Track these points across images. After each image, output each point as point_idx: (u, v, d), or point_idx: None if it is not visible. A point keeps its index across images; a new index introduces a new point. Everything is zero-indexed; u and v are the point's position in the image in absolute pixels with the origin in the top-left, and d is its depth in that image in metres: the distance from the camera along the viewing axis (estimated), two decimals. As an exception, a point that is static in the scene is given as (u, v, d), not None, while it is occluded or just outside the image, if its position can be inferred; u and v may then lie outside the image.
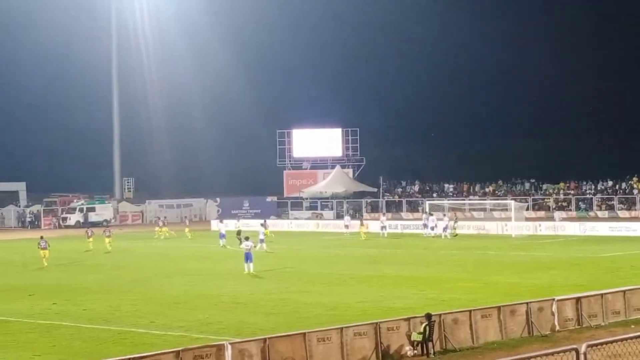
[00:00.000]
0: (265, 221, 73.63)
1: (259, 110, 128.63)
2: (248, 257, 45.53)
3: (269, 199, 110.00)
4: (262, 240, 60.27)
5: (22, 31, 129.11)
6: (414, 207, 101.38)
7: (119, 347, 25.31)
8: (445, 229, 70.63)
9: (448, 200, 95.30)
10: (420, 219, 77.40)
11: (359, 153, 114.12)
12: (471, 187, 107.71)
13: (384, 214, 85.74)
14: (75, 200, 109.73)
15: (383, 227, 74.68)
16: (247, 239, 47.40)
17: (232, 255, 55.29)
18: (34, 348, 25.84)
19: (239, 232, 54.47)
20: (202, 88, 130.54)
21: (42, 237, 55.03)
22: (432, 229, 72.37)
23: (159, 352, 20.64)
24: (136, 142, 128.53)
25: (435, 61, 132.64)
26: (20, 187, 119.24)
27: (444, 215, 75.36)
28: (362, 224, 74.21)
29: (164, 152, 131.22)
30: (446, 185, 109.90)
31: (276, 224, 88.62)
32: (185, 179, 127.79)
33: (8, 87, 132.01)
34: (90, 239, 65.44)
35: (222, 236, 64.81)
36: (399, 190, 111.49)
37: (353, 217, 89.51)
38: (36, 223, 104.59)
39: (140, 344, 25.68)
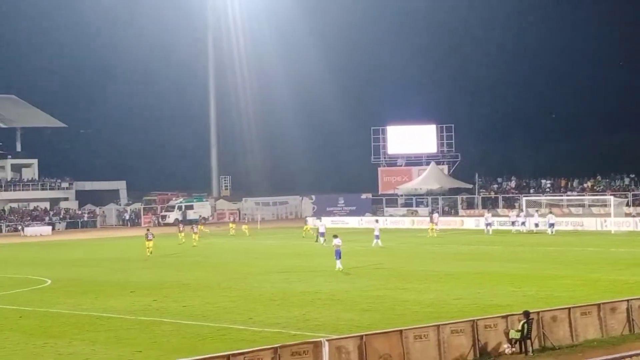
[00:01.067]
0: (320, 219, 75.28)
1: (353, 107, 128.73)
2: (338, 255, 45.63)
3: (363, 196, 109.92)
4: (377, 237, 60.84)
5: (120, 33, 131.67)
6: (510, 204, 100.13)
7: (217, 344, 25.58)
8: (537, 225, 69.96)
9: (545, 196, 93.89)
10: (518, 215, 76.51)
11: (454, 149, 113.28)
12: (569, 183, 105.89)
13: (488, 210, 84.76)
14: (174, 199, 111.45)
15: (489, 224, 73.46)
16: (336, 236, 47.54)
17: (325, 252, 55.44)
18: (135, 344, 26.27)
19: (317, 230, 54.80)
20: (295, 87, 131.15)
21: (148, 229, 61.13)
22: (523, 224, 71.70)
23: (258, 348, 20.77)
24: (232, 141, 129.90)
25: (532, 56, 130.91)
26: (120, 185, 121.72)
27: (537, 211, 74.71)
28: (431, 221, 73.54)
29: (259, 151, 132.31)
30: (543, 181, 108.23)
31: (371, 221, 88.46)
32: (280, 177, 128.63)
33: (108, 90, 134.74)
34: (182, 233, 67.97)
35: (321, 234, 64.90)
36: (495, 186, 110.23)
37: (447, 214, 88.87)
38: (136, 221, 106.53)
39: (239, 340, 25.90)
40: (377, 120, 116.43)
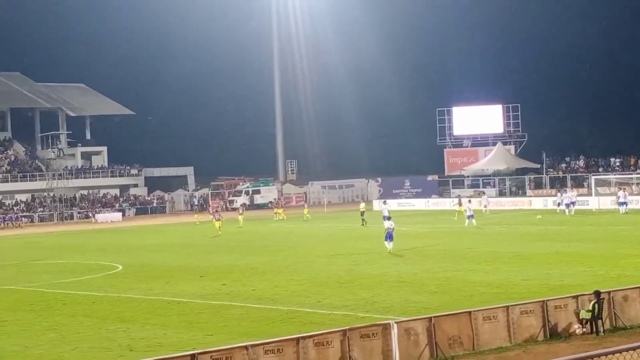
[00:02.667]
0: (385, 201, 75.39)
1: (418, 89, 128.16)
2: (389, 237, 45.53)
3: (430, 177, 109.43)
4: (470, 216, 61.02)
5: (185, 21, 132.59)
6: (579, 183, 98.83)
7: (287, 326, 25.71)
8: (569, 205, 68.77)
9: (614, 174, 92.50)
10: (586, 195, 75.40)
11: (520, 129, 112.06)
12: (639, 161, 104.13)
13: (571, 189, 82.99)
14: (241, 183, 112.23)
15: (571, 204, 70.49)
16: (389, 218, 47.46)
17: (396, 235, 55.41)
18: (206, 328, 26.52)
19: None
20: (359, 70, 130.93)
21: (217, 211, 60.90)
22: (568, 205, 70.03)
23: (327, 331, 20.83)
24: (297, 125, 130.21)
25: (596, 33, 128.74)
26: (188, 171, 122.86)
27: (621, 189, 73.53)
28: (460, 204, 72.87)
29: (325, 135, 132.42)
30: (612, 160, 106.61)
31: (438, 203, 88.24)
32: (345, 161, 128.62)
33: (174, 77, 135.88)
34: (241, 217, 71.35)
35: (385, 218, 64.15)
36: (563, 165, 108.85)
37: (515, 195, 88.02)
38: (204, 206, 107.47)
39: (308, 323, 25.99)
40: (442, 102, 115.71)
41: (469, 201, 68.29)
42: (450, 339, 21.51)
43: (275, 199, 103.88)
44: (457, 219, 67.53)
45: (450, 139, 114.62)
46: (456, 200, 75.52)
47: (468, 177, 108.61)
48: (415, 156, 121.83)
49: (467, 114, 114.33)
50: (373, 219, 72.36)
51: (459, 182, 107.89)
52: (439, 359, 21.10)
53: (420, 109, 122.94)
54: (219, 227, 64.13)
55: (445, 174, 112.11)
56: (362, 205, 69.20)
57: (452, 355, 21.30)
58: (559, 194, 77.18)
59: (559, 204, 72.40)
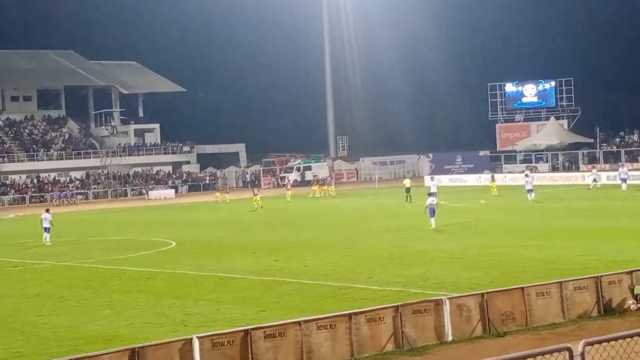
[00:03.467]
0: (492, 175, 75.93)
1: (469, 64, 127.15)
2: (432, 213, 45.42)
3: (481, 153, 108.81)
4: (530, 191, 61.15)
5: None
6: (633, 158, 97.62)
7: (339, 302, 25.77)
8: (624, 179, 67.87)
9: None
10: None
11: (573, 103, 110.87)
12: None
13: (622, 164, 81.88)
14: (292, 160, 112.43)
15: (624, 179, 69.66)
16: (430, 194, 47.29)
17: (448, 211, 55.26)
18: (259, 304, 26.69)
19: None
20: (409, 44, 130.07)
21: (255, 186, 62.06)
22: (624, 180, 69.09)
23: (379, 307, 20.87)
24: (348, 102, 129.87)
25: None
26: (240, 148, 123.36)
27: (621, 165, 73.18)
28: (493, 180, 72.30)
29: (376, 111, 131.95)
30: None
31: (489, 179, 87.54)
32: (396, 136, 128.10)
33: (224, 54, 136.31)
34: (258, 197, 70.52)
35: (432, 194, 63.18)
36: (617, 140, 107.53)
37: (568, 169, 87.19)
38: (256, 183, 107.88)
39: (360, 299, 26.04)
40: (494, 76, 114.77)
41: (526, 175, 68.06)
42: (503, 314, 21.44)
43: (314, 176, 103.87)
44: (497, 194, 67.83)
45: (502, 114, 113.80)
46: (521, 175, 75.35)
47: (520, 152, 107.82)
48: (467, 132, 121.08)
49: (519, 88, 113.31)
50: (422, 196, 72.12)
51: (511, 158, 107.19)
52: (491, 334, 21.05)
53: (472, 83, 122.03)
54: (257, 200, 68.01)
55: (497, 149, 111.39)
56: (407, 182, 68.96)
57: (505, 331, 21.24)
58: (593, 170, 76.64)
59: (594, 180, 71.89)
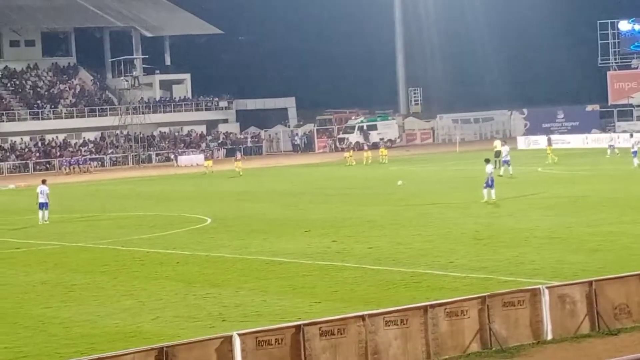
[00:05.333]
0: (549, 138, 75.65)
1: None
2: (490, 183, 45.66)
3: (589, 108, 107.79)
4: (635, 153, 61.74)
5: None
6: None
7: (412, 292, 25.81)
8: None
9: None
10: None
11: None
12: None
13: None
14: (353, 117, 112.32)
15: None
16: (488, 161, 47.06)
17: (547, 180, 54.97)
18: (313, 293, 26.79)
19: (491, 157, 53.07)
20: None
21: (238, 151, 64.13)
22: None
23: (462, 298, 20.84)
24: (422, 45, 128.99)
25: None
26: (289, 103, 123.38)
27: None
28: (549, 144, 72.82)
29: (455, 57, 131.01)
30: None
31: (599, 139, 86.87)
32: (483, 88, 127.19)
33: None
34: (239, 162, 74.88)
35: (505, 162, 62.60)
36: None
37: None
38: (309, 146, 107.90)
39: (437, 288, 26.05)
40: (605, 12, 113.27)
41: (631, 135, 67.93)
42: (616, 308, 21.31)
43: (390, 139, 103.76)
44: (551, 162, 68.35)
45: (616, 59, 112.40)
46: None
47: (638, 106, 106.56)
48: (571, 81, 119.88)
49: (636, 27, 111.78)
50: (516, 160, 71.81)
51: (626, 113, 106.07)
52: (601, 332, 20.94)
53: (577, 21, 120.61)
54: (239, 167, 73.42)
55: (609, 103, 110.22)
56: (497, 143, 68.59)
57: (619, 327, 21.11)
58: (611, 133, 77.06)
59: (610, 147, 73.64)
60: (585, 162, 68.73)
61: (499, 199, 46.98)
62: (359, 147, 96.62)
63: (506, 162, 60.61)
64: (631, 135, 67.87)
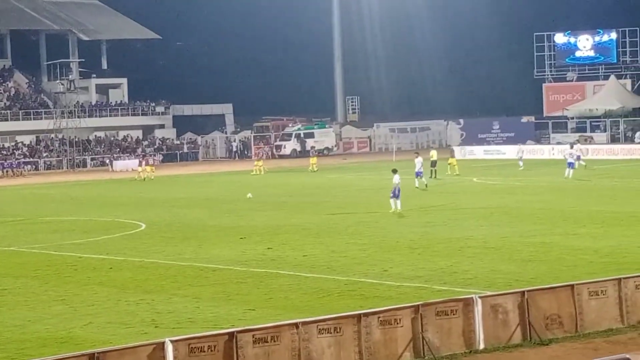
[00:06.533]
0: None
1: (511, 10, 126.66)
2: (396, 193, 46.08)
3: (524, 119, 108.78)
4: (571, 165, 62.28)
5: None
6: None
7: (346, 300, 25.84)
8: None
9: None
10: None
11: (639, 59, 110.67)
12: None
13: None
14: (290, 125, 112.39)
15: None
16: (395, 172, 47.38)
17: (482, 190, 55.31)
18: (247, 301, 26.74)
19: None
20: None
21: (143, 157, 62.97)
22: None
23: (395, 307, 20.89)
24: (361, 54, 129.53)
25: None
26: (226, 109, 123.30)
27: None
28: (452, 155, 73.26)
29: (394, 66, 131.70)
30: None
31: (534, 150, 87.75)
32: (420, 97, 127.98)
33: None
34: (148, 167, 77.87)
35: (417, 174, 62.02)
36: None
37: (632, 140, 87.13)
38: (245, 153, 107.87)
39: (372, 297, 26.10)
40: (541, 26, 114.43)
41: (571, 146, 68.31)
42: (548, 318, 21.49)
43: (327, 147, 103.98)
44: (456, 173, 68.76)
45: (551, 71, 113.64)
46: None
47: (572, 118, 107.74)
48: (507, 92, 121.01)
49: (572, 40, 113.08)
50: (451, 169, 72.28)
51: (560, 125, 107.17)
52: (533, 342, 21.10)
53: (514, 33, 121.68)
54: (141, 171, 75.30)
55: (544, 115, 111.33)
56: (433, 153, 69.12)
57: (550, 338, 21.28)
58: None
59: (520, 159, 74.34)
60: (520, 172, 69.29)
61: (435, 208, 47.26)
62: (296, 154, 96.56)
63: (419, 174, 59.91)
64: (571, 147, 68.16)
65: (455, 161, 71.66)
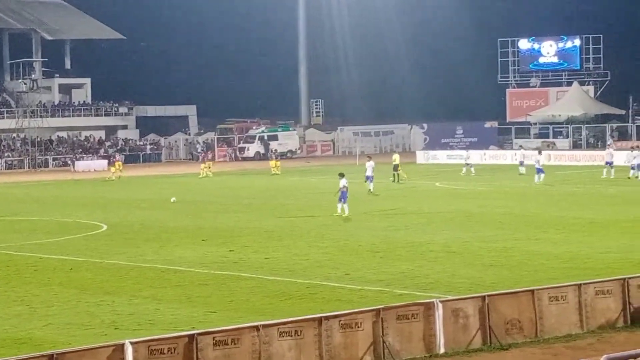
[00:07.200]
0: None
1: (475, 16, 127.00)
2: (343, 197, 46.14)
3: (487, 124, 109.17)
4: (540, 170, 63.20)
5: None
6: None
7: (307, 303, 25.85)
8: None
9: None
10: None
11: (602, 66, 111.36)
12: None
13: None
14: (254, 127, 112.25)
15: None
16: (342, 176, 47.52)
17: (444, 195, 55.48)
18: (209, 303, 26.71)
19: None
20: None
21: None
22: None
23: (356, 310, 20.93)
24: (325, 57, 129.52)
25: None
26: (190, 111, 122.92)
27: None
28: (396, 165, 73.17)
29: (358, 69, 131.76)
30: None
31: (497, 156, 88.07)
32: (384, 101, 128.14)
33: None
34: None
35: (367, 178, 61.77)
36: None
37: (594, 147, 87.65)
38: (207, 154, 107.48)
39: (333, 300, 26.13)
40: (506, 31, 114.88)
41: (539, 152, 68.66)
42: (508, 323, 21.57)
43: (290, 149, 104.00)
44: (406, 178, 67.94)
45: (515, 77, 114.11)
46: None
47: (535, 124, 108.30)
48: (471, 98, 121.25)
49: (536, 46, 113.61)
50: (415, 174, 72.46)
51: (523, 131, 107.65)
52: (493, 347, 21.17)
53: (478, 39, 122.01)
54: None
55: (507, 120, 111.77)
56: (396, 157, 69.24)
57: (510, 343, 21.37)
58: (636, 149, 75.61)
59: (467, 165, 73.26)
60: (482, 178, 69.53)
61: (398, 212, 47.35)
62: (260, 157, 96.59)
63: (369, 179, 59.68)
64: (539, 153, 68.45)
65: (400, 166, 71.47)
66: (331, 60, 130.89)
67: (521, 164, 71.87)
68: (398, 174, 67.50)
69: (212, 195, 62.23)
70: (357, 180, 69.32)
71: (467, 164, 73.66)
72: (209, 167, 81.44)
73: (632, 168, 66.04)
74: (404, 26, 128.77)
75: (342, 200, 46.46)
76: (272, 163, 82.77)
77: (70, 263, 34.34)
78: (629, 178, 64.34)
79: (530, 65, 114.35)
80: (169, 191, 66.59)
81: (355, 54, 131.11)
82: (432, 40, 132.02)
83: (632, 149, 74.24)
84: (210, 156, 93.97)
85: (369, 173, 59.54)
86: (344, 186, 46.62)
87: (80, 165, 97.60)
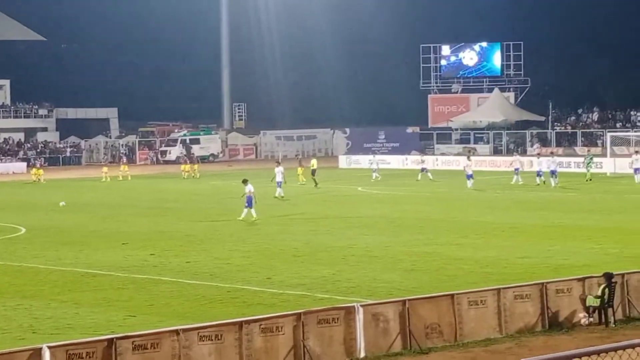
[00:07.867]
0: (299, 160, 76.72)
1: (397, 21, 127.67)
2: (249, 202, 46.73)
3: (409, 129, 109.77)
4: (470, 176, 63.45)
5: None
6: (591, 141, 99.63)
7: (228, 308, 25.81)
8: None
9: (635, 131, 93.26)
10: (600, 155, 75.42)
11: (522, 73, 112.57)
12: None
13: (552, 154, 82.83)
14: (176, 130, 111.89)
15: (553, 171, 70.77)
16: (246, 182, 47.86)
17: (361, 199, 55.68)
18: (128, 307, 26.55)
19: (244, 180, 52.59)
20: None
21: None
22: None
23: (277, 314, 20.94)
24: (249, 61, 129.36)
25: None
26: (111, 114, 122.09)
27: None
28: (300, 164, 73.54)
29: (282, 73, 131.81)
30: (633, 113, 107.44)
31: (418, 161, 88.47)
32: (307, 106, 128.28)
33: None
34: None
35: (278, 184, 61.72)
36: (573, 119, 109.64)
37: (513, 153, 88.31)
38: (131, 157, 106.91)
39: (254, 304, 26.12)
40: (427, 37, 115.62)
41: (468, 158, 69.30)
42: (428, 327, 21.70)
43: (212, 153, 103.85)
44: (303, 181, 69.06)
45: (437, 83, 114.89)
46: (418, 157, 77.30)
47: (457, 130, 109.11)
48: (393, 103, 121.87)
49: (457, 52, 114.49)
50: (337, 179, 72.62)
51: (445, 136, 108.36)
52: (413, 351, 21.27)
53: (400, 44, 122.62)
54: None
55: (429, 126, 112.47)
56: (314, 162, 69.61)
57: (430, 347, 21.49)
58: (550, 157, 75.87)
59: (374, 170, 73.75)
60: (404, 182, 69.91)
61: (319, 217, 47.45)
62: (181, 160, 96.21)
63: (279, 184, 59.67)
64: (468, 159, 69.16)
65: (301, 170, 71.56)
66: (256, 64, 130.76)
67: (422, 170, 72.20)
68: (315, 179, 67.57)
69: (132, 198, 61.85)
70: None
71: (423, 169, 73.04)
72: (106, 172, 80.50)
73: (538, 175, 66.38)
74: (329, 32, 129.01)
75: (248, 205, 46.66)
76: (184, 167, 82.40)
77: (-13, 266, 33.94)
78: (538, 185, 64.85)
79: (452, 72, 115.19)
80: (90, 194, 66.09)
81: (278, 58, 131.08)
82: (355, 46, 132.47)
83: (552, 154, 75.18)
84: (125, 160, 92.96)
85: (278, 179, 59.52)
86: (250, 191, 46.79)
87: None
